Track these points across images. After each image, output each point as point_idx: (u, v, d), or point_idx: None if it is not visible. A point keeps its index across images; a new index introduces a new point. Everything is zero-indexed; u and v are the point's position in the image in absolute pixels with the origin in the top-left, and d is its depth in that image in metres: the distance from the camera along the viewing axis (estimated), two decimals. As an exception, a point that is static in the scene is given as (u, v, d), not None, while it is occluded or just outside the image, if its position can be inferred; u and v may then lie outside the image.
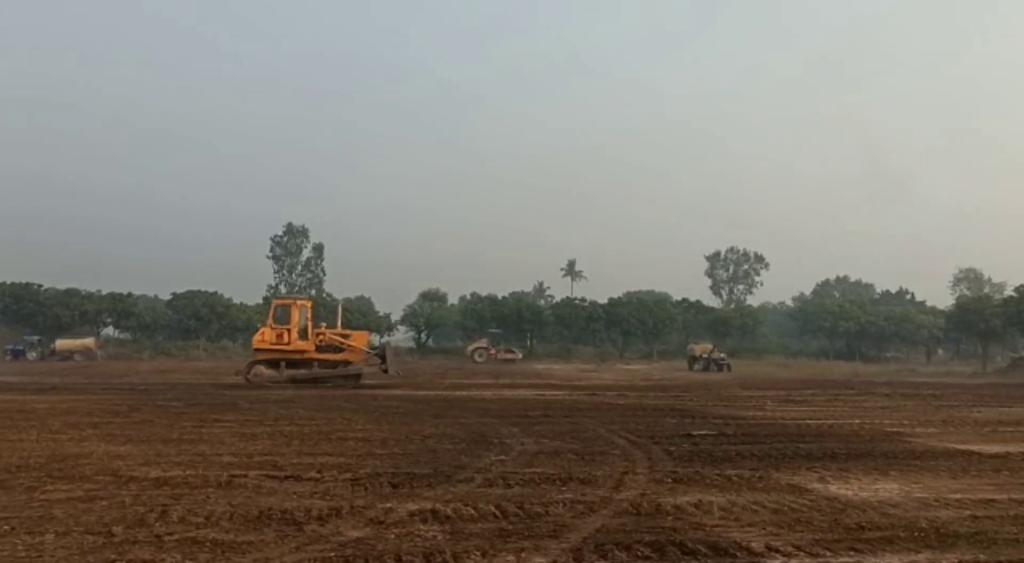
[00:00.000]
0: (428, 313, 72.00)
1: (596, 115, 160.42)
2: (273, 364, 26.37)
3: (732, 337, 71.08)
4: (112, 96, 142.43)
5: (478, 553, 5.85)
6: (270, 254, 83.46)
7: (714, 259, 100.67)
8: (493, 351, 57.91)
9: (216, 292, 71.26)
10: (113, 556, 5.70)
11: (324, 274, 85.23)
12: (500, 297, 76.27)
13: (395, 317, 76.69)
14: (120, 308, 63.59)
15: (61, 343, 54.41)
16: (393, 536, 6.35)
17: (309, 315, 27.19)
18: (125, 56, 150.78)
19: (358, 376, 26.95)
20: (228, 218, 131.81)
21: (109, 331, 68.39)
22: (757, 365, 56.17)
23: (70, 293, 62.50)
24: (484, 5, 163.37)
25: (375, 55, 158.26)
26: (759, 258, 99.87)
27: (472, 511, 7.21)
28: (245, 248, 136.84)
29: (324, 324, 28.24)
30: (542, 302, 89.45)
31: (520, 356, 59.04)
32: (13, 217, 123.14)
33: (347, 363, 26.83)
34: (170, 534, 6.30)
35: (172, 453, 10.58)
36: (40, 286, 62.65)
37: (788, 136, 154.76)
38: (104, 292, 65.42)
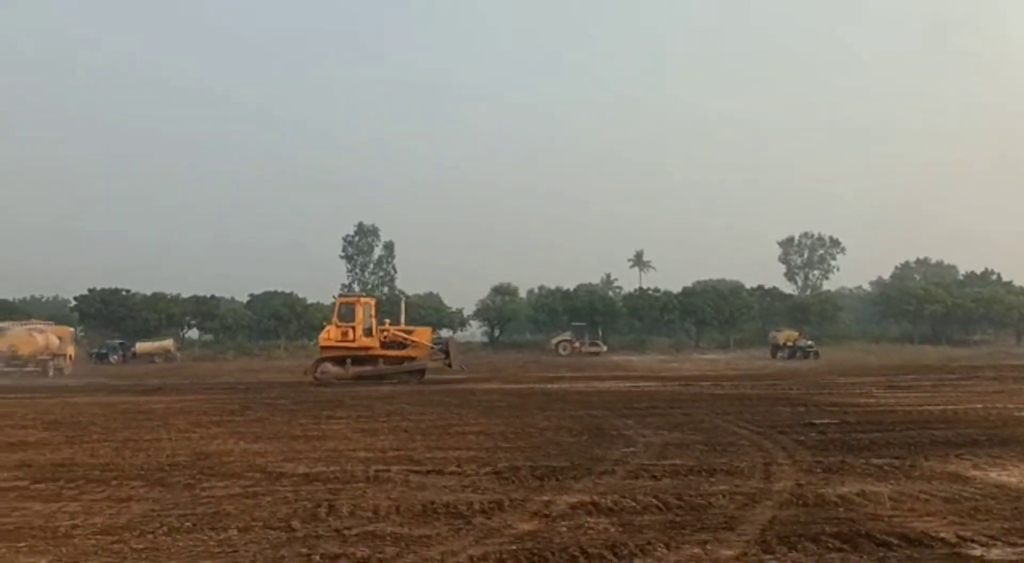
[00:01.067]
0: (500, 307, 72.03)
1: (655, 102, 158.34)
2: (339, 361, 26.71)
3: (811, 324, 69.54)
4: (191, 105, 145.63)
5: (661, 545, 5.82)
6: (343, 254, 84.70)
7: (787, 244, 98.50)
8: (577, 344, 57.31)
9: (292, 292, 72.77)
10: (304, 550, 5.83)
11: (395, 272, 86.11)
12: (568, 289, 76.20)
13: (467, 312, 77.02)
14: (203, 310, 65.27)
15: (141, 346, 55.99)
16: (565, 529, 6.35)
17: (373, 312, 27.49)
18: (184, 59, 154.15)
19: (422, 371, 27.19)
20: (301, 219, 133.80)
21: (192, 333, 70.43)
22: (840, 352, 54.80)
23: (156, 297, 64.45)
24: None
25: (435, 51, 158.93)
26: (835, 242, 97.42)
27: (632, 503, 7.17)
28: (317, 248, 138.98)
29: (388, 321, 28.58)
30: (610, 293, 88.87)
31: (605, 349, 58.38)
32: (101, 229, 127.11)
33: (411, 359, 27.11)
34: (348, 528, 6.41)
35: (306, 449, 10.79)
36: (128, 291, 64.70)
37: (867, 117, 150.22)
38: (187, 295, 67.36)
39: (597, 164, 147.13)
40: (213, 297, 67.76)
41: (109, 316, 57.71)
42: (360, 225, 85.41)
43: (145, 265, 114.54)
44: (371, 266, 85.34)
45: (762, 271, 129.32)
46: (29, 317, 49.58)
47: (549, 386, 23.72)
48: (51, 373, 38.78)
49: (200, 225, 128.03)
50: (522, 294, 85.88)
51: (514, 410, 16.04)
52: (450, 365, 27.70)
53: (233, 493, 7.97)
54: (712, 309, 69.13)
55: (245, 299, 75.92)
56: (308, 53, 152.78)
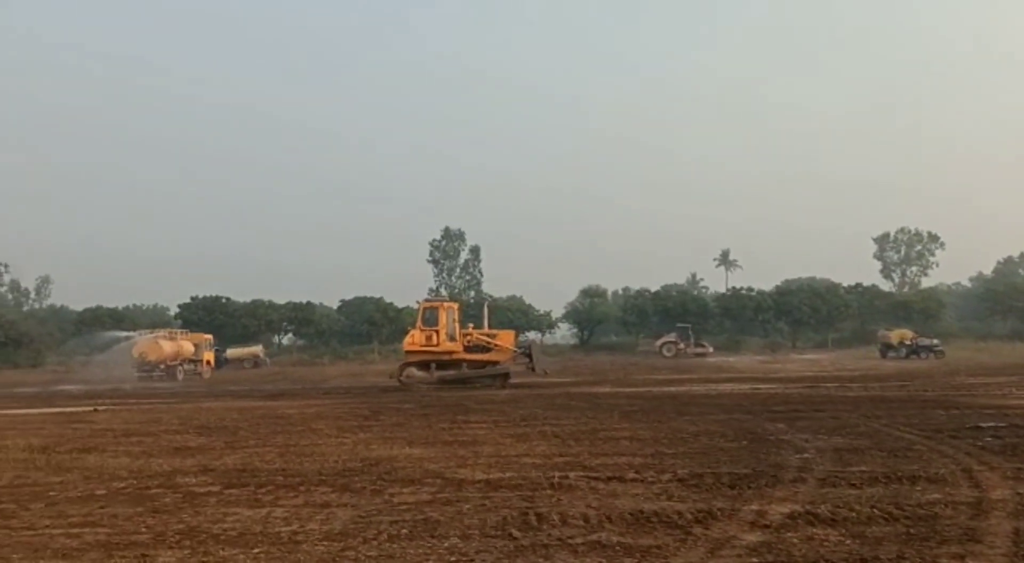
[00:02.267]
0: (589, 309, 71.67)
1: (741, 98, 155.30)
2: (424, 366, 26.86)
3: (913, 322, 67.14)
4: (259, 116, 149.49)
5: (916, 558, 5.55)
6: (429, 258, 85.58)
7: (883, 241, 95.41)
8: (683, 345, 56.26)
9: (381, 297, 73.94)
10: (541, 560, 5.76)
11: (482, 275, 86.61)
12: (654, 290, 75.37)
13: (555, 314, 76.95)
14: (300, 316, 66.82)
15: (231, 351, 57.51)
16: (796, 540, 6.14)
17: (456, 317, 27.60)
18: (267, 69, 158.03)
19: (506, 375, 27.06)
20: (386, 224, 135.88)
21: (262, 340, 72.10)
22: (950, 350, 52.66)
23: (255, 304, 66.28)
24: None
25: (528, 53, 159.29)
26: (933, 237, 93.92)
27: (851, 513, 6.91)
28: (404, 253, 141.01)
29: (471, 325, 28.56)
30: (695, 293, 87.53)
31: (711, 350, 57.20)
32: (200, 239, 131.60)
33: (494, 363, 27.08)
34: (570, 538, 6.34)
35: (468, 455, 10.80)
36: (228, 299, 66.72)
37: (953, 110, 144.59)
38: (281, 302, 69.12)
39: (677, 164, 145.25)
40: (309, 303, 69.26)
41: (211, 323, 59.49)
42: (447, 230, 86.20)
43: (240, 274, 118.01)
44: (457, 270, 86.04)
45: (854, 268, 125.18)
46: (155, 326, 51.49)
47: (667, 389, 23.41)
48: (180, 378, 40.71)
49: (289, 234, 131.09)
50: (607, 296, 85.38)
51: (651, 414, 15.84)
52: (533, 369, 27.57)
53: (425, 500, 7.98)
54: (808, 308, 67.44)
55: (335, 305, 77.45)
56: (384, 67, 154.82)
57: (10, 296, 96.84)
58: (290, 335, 70.93)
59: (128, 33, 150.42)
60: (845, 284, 74.09)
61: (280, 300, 70.80)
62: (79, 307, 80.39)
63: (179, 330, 46.31)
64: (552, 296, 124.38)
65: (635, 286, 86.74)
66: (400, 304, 69.38)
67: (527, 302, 79.55)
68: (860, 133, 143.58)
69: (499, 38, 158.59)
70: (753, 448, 10.98)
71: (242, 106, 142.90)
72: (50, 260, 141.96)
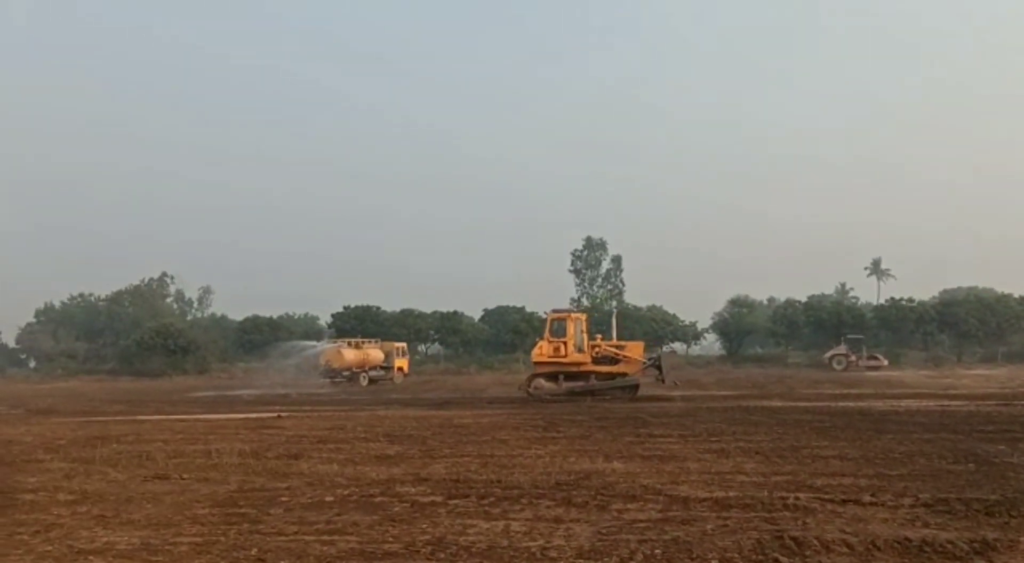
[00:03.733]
0: (737, 320, 69.75)
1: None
2: (552, 377, 26.64)
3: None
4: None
5: None
6: (571, 268, 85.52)
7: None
8: (854, 358, 53.64)
9: (523, 307, 74.52)
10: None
11: (623, 285, 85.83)
12: (802, 300, 72.39)
13: (701, 325, 75.37)
14: (447, 326, 68.17)
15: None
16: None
17: (584, 327, 27.28)
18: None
19: (635, 387, 26.43)
20: (528, 234, 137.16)
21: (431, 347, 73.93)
22: None
23: (405, 313, 68.18)
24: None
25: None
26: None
27: None
28: (546, 263, 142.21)
29: (599, 336, 28.28)
30: (848, 303, 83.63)
31: (886, 363, 54.30)
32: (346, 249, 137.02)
33: (623, 374, 26.65)
34: (844, 565, 5.97)
35: (676, 471, 10.56)
36: (379, 308, 68.97)
37: None
38: (428, 311, 70.80)
39: (824, 170, 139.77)
40: (455, 312, 70.57)
41: (364, 331, 61.53)
42: (588, 239, 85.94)
43: (389, 284, 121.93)
44: (599, 280, 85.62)
45: (1017, 278, 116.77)
46: (307, 335, 54.24)
47: (847, 404, 22.31)
48: (363, 383, 43.57)
49: (433, 245, 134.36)
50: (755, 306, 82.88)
51: (846, 431, 15.12)
52: (663, 381, 26.93)
53: (657, 518, 7.79)
54: (976, 320, 63.17)
55: (477, 314, 78.61)
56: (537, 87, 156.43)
57: (175, 306, 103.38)
58: (436, 344, 72.41)
59: (276, 49, 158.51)
60: (1016, 294, 69.13)
61: (426, 309, 72.76)
62: (238, 316, 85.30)
63: (367, 340, 48.65)
64: (698, 306, 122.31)
65: (780, 296, 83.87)
66: (544, 313, 69.80)
67: (671, 312, 78.34)
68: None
69: (653, 62, 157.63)
70: (985, 471, 10.22)
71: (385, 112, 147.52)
72: (209, 271, 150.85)
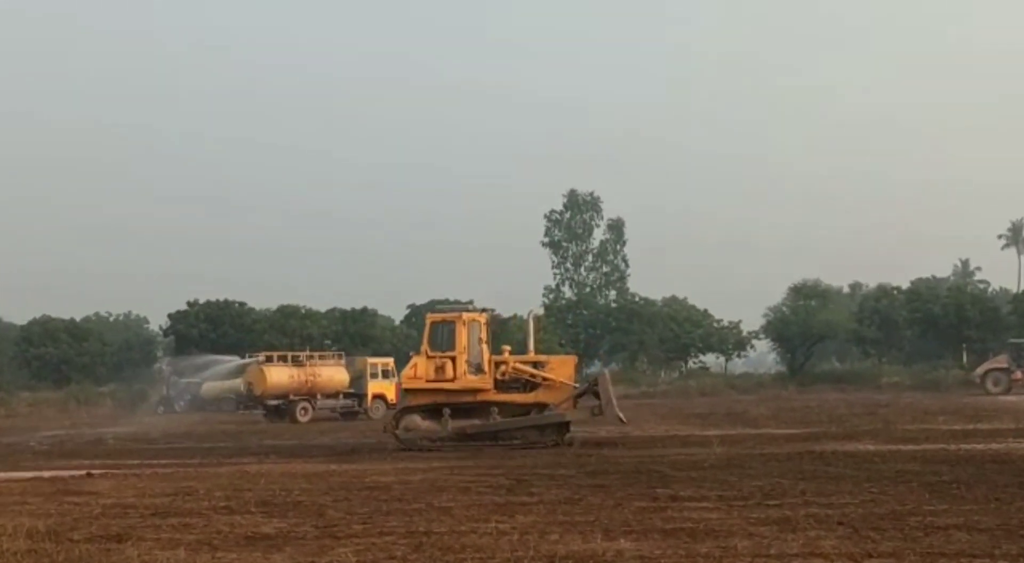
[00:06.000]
0: (804, 317, 70.62)
1: None
2: (432, 412, 26.98)
3: None
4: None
5: None
6: (546, 240, 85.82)
7: None
8: (1019, 375, 53.46)
9: (469, 301, 74.85)
10: None
11: (627, 265, 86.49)
12: (906, 287, 73.60)
13: (748, 326, 76.36)
14: (353, 330, 68.47)
15: (209, 386, 61.36)
16: None
17: (483, 335, 27.38)
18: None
19: (564, 426, 26.94)
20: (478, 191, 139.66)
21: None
22: None
23: (284, 312, 68.52)
24: None
25: None
26: None
27: None
28: (507, 232, 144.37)
29: (507, 348, 28.63)
30: (972, 290, 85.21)
31: None
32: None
33: (543, 406, 26.85)
34: None
35: (716, 553, 10.79)
36: (243, 304, 69.36)
37: None
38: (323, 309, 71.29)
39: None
40: (365, 310, 70.85)
41: (221, 338, 61.78)
42: (572, 195, 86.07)
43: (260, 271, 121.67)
44: (589, 258, 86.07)
45: None
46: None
47: (969, 447, 22.84)
48: (303, 418, 45.81)
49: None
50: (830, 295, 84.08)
51: (974, 489, 15.54)
52: (600, 412, 27.03)
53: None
54: None
55: (399, 313, 78.91)
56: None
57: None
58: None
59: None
60: None
61: (319, 306, 73.17)
62: (18, 319, 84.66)
63: (318, 352, 51.32)
64: (741, 298, 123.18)
65: (868, 281, 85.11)
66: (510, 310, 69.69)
67: (700, 307, 79.08)
68: None
69: None
70: None
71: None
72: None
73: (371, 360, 49.50)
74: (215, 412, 56.74)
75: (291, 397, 45.68)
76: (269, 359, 47.62)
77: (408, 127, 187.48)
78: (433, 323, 27.71)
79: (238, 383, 60.00)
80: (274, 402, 45.98)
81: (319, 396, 46.53)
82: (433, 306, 28.20)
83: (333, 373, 47.40)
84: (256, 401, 46.92)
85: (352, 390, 47.21)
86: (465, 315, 27.33)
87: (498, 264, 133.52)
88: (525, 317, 32.35)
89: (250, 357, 50.80)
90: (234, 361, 53.71)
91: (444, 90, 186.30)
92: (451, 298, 74.91)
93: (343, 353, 52.57)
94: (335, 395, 47.14)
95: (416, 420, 26.89)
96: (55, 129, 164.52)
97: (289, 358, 47.97)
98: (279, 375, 45.76)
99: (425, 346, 27.06)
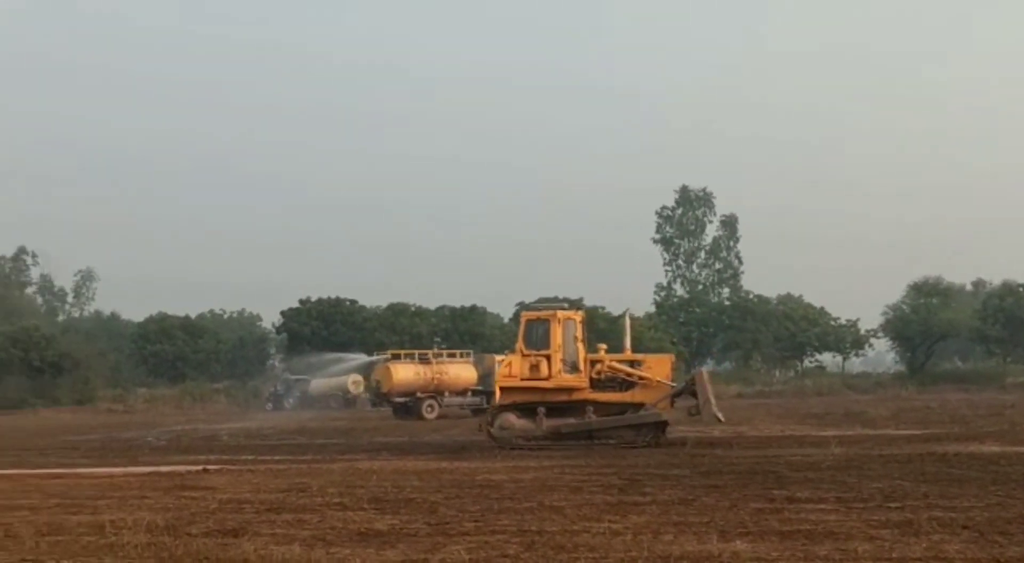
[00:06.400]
0: (924, 316, 69.39)
1: None
2: (527, 410, 27.01)
3: None
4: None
5: None
6: (657, 236, 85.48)
7: None
8: None
9: (579, 299, 74.56)
10: None
11: (740, 262, 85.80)
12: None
13: (865, 325, 75.20)
14: (462, 328, 68.69)
15: (316, 384, 63.79)
16: None
17: (578, 333, 27.42)
18: None
19: (661, 426, 26.67)
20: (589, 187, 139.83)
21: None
22: None
23: (395, 309, 68.95)
24: None
25: None
26: None
27: None
28: (616, 229, 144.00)
29: (603, 346, 28.67)
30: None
31: None
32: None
33: (639, 405, 26.74)
34: None
35: (835, 556, 10.68)
36: (354, 302, 70.01)
37: None
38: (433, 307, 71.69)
39: None
40: (475, 309, 71.09)
41: (332, 335, 62.46)
42: (684, 191, 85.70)
43: (371, 269, 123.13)
44: (701, 255, 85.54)
45: None
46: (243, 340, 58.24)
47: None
48: (430, 415, 47.02)
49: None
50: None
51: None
52: (698, 412, 26.73)
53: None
54: None
55: (508, 311, 79.20)
56: None
57: (40, 300, 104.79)
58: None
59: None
60: None
61: (429, 304, 73.62)
62: (136, 315, 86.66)
63: (451, 351, 52.58)
64: (860, 296, 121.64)
65: (993, 278, 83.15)
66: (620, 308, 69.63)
67: (816, 305, 78.15)
68: None
69: None
70: None
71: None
72: (89, 247, 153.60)
73: (499, 358, 49.71)
74: (323, 410, 57.81)
75: (418, 394, 46.77)
76: (396, 357, 48.97)
77: (516, 127, 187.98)
78: (528, 321, 27.74)
79: (345, 381, 61.53)
80: (401, 399, 46.93)
81: (447, 393, 47.51)
82: (529, 304, 28.29)
83: (460, 371, 48.47)
84: (383, 398, 48.15)
85: (480, 387, 47.51)
86: (560, 313, 27.36)
87: (608, 262, 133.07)
88: (624, 317, 32.13)
89: (377, 355, 52.51)
90: (360, 358, 55.97)
91: (551, 90, 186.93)
92: (559, 296, 75.63)
93: (470, 351, 53.65)
94: (463, 392, 48.11)
95: (511, 418, 27.01)
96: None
97: (416, 356, 49.06)
98: (405, 373, 46.87)
99: (520, 344, 27.25)
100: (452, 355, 50.58)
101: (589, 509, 14.45)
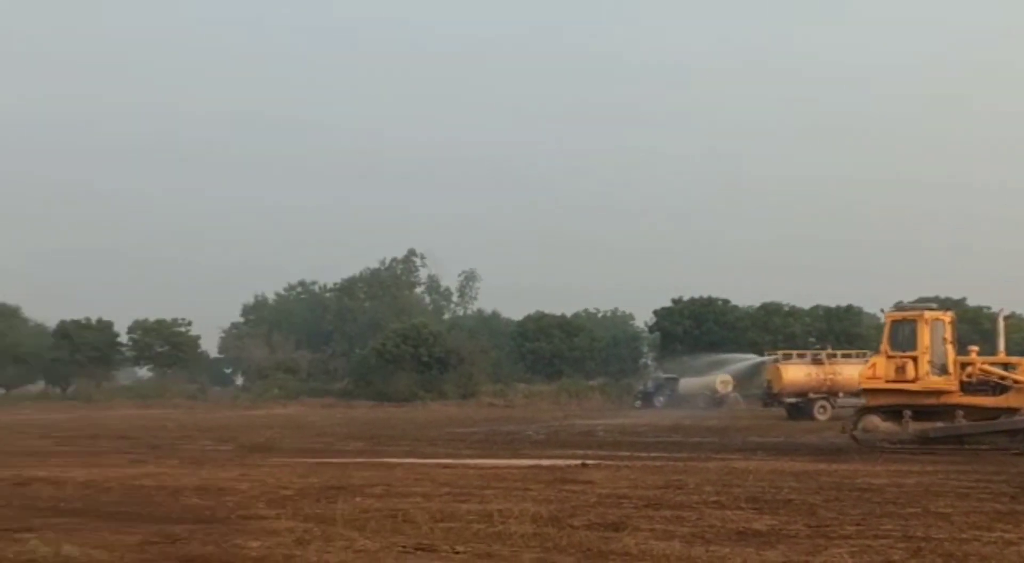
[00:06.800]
0: None
1: None
2: (892, 413, 26.50)
3: None
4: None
5: None
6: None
7: None
8: None
9: (961, 299, 71.01)
10: None
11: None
12: None
13: None
14: (838, 328, 67.51)
15: (685, 383, 64.28)
16: None
17: (948, 334, 26.59)
18: None
19: None
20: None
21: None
22: None
23: (768, 309, 68.54)
24: None
25: None
26: None
27: None
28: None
29: (974, 348, 27.49)
30: None
31: None
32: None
33: (1014, 411, 25.59)
34: None
35: None
36: (726, 302, 69.97)
37: None
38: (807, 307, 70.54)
39: None
40: (850, 308, 69.30)
41: (704, 334, 62.77)
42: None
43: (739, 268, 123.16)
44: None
45: None
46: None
47: None
48: (822, 417, 46.54)
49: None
50: None
51: None
52: None
53: None
54: None
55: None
56: None
57: (427, 299, 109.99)
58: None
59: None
60: None
61: (801, 303, 72.33)
62: (515, 313, 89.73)
63: (840, 351, 52.23)
64: None
65: None
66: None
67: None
68: None
69: None
70: None
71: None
72: (471, 248, 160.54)
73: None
74: (691, 409, 57.92)
75: (810, 395, 46.50)
76: (787, 357, 49.11)
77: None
78: (893, 322, 27.53)
79: (713, 380, 61.63)
80: (792, 399, 46.72)
81: (840, 394, 46.62)
82: (893, 306, 27.58)
83: (855, 371, 47.21)
84: (775, 399, 48.17)
85: None
86: (928, 313, 26.94)
87: (991, 261, 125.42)
88: (998, 319, 30.67)
89: (768, 355, 52.72)
90: (751, 359, 56.37)
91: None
92: (939, 296, 72.66)
93: (866, 352, 52.37)
94: (858, 393, 47.01)
95: (875, 421, 26.85)
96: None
97: (808, 356, 49.06)
98: (796, 373, 46.93)
99: (885, 345, 27.08)
100: (847, 355, 49.63)
101: (978, 517, 13.91)
